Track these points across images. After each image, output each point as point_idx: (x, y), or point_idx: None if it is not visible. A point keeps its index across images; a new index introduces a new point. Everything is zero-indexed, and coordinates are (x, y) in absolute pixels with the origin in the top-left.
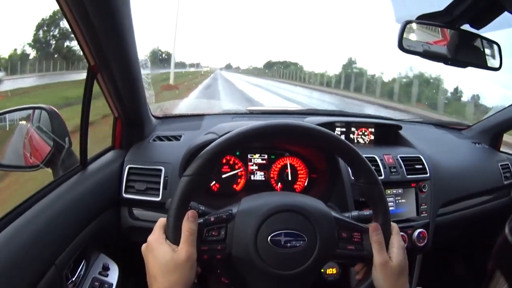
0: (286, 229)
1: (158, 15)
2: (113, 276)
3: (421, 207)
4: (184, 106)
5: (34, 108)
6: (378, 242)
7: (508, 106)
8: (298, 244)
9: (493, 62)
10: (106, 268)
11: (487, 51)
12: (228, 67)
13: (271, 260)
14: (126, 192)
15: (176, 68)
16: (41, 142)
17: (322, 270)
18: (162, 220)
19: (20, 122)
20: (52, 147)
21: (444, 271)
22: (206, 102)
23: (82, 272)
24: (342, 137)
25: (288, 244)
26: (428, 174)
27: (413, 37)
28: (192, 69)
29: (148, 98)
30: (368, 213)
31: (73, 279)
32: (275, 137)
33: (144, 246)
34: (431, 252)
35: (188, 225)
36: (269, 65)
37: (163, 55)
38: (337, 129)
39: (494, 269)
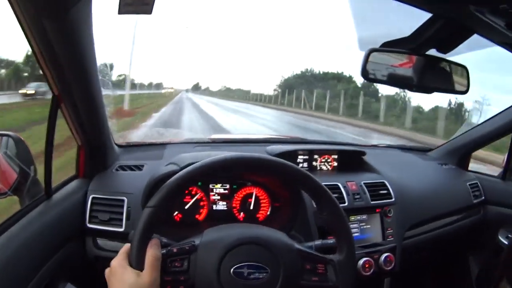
0: (249, 261)
1: (112, 29)
2: None
3: (387, 231)
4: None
5: (2, 135)
6: None
7: (475, 127)
8: (261, 276)
9: (460, 86)
10: None
11: (454, 75)
12: (196, 88)
13: None
14: (90, 222)
15: (132, 90)
16: (8, 169)
17: None
18: (127, 246)
19: None
20: (18, 175)
21: None
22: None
23: None
24: (305, 164)
25: (251, 276)
26: (393, 199)
27: (378, 63)
28: (150, 91)
29: (110, 126)
30: (332, 241)
31: None
32: (236, 170)
33: (107, 270)
34: (400, 274)
35: (152, 251)
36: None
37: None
38: (300, 157)
39: (501, 277)
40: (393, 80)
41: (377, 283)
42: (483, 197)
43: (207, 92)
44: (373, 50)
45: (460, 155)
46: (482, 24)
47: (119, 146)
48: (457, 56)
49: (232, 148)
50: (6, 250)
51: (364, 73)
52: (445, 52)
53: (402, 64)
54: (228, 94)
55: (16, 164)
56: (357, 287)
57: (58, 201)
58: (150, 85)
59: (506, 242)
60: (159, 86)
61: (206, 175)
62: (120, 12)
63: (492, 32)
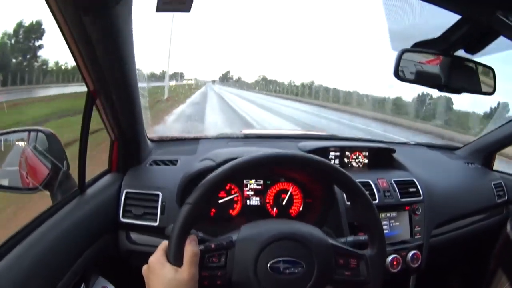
0: (285, 256)
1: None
2: None
3: (415, 229)
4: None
5: (30, 131)
6: None
7: (500, 126)
8: (296, 271)
9: (487, 87)
10: None
11: (481, 76)
12: (225, 78)
13: (270, 286)
14: (124, 216)
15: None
16: (39, 164)
17: None
18: (165, 243)
19: (17, 143)
20: (50, 170)
21: None
22: None
23: None
24: (336, 161)
25: (287, 271)
26: (421, 197)
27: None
28: (170, 83)
29: (144, 121)
30: (363, 238)
31: None
32: (271, 167)
33: (145, 267)
34: (425, 272)
35: (191, 248)
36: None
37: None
38: (331, 153)
39: (497, 268)
40: (421, 78)
41: (404, 280)
42: (506, 197)
43: (241, 84)
44: (405, 51)
45: (485, 155)
46: (507, 27)
47: (152, 140)
48: (483, 57)
49: (264, 143)
50: (40, 245)
51: (397, 74)
52: (472, 53)
53: (429, 61)
54: (270, 88)
55: (46, 159)
56: (384, 284)
57: (92, 195)
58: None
59: None
60: (180, 76)
61: (244, 172)
62: (158, 10)
63: None
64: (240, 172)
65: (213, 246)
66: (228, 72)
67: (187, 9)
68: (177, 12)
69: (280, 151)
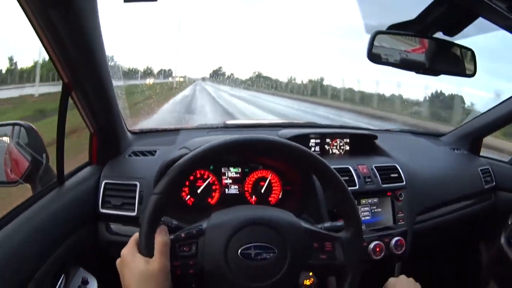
0: (256, 242)
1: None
2: None
3: (398, 215)
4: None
5: (12, 125)
6: None
7: (486, 111)
8: (268, 256)
9: (468, 69)
10: (85, 282)
11: (462, 57)
12: (216, 74)
13: (242, 273)
14: (103, 207)
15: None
16: (20, 157)
17: (299, 282)
18: (136, 235)
19: (2, 138)
20: (30, 163)
21: (425, 278)
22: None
23: (61, 286)
24: (317, 148)
25: (259, 257)
26: (404, 183)
27: (384, 46)
28: (150, 81)
29: (123, 113)
30: (340, 223)
31: None
32: (240, 152)
33: (118, 260)
34: (411, 259)
35: (160, 238)
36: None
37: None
38: (312, 140)
39: (488, 279)
40: (404, 63)
41: (388, 268)
42: (494, 183)
43: (233, 81)
44: (379, 32)
45: (472, 140)
46: (485, 7)
47: (132, 132)
48: (464, 39)
49: (244, 132)
50: (17, 235)
51: (371, 56)
52: (451, 35)
53: (415, 49)
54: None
55: (27, 152)
56: (368, 271)
57: (71, 187)
58: (156, 73)
59: None
60: (168, 73)
61: (211, 157)
62: (126, 0)
63: (496, 15)
64: (208, 157)
65: (183, 235)
66: (220, 68)
67: None
68: (144, 2)
69: (247, 136)
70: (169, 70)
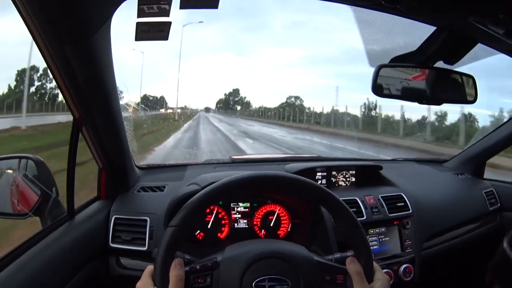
0: (270, 274)
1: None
2: None
3: (405, 243)
4: None
5: (20, 158)
6: (356, 272)
7: (487, 135)
8: None
9: (469, 96)
10: None
11: (463, 85)
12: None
13: None
14: (113, 242)
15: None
16: (29, 190)
17: None
18: (150, 268)
19: (7, 171)
20: (40, 196)
21: None
22: None
23: None
24: (324, 181)
25: None
26: (410, 211)
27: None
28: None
29: (131, 149)
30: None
31: None
32: (254, 188)
33: None
34: (420, 285)
35: (176, 272)
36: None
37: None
38: (318, 174)
39: (493, 284)
40: (406, 93)
41: None
42: (498, 204)
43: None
44: (382, 66)
45: (475, 164)
46: (483, 33)
47: (140, 168)
48: (464, 66)
49: (251, 168)
50: (30, 267)
51: (376, 89)
52: (452, 63)
53: (415, 77)
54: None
55: (36, 186)
56: None
57: (81, 221)
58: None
59: None
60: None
61: (225, 193)
62: (137, 39)
63: (494, 40)
64: (221, 193)
65: (198, 267)
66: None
67: (165, 37)
68: (155, 40)
69: (260, 172)
70: (160, 97)
